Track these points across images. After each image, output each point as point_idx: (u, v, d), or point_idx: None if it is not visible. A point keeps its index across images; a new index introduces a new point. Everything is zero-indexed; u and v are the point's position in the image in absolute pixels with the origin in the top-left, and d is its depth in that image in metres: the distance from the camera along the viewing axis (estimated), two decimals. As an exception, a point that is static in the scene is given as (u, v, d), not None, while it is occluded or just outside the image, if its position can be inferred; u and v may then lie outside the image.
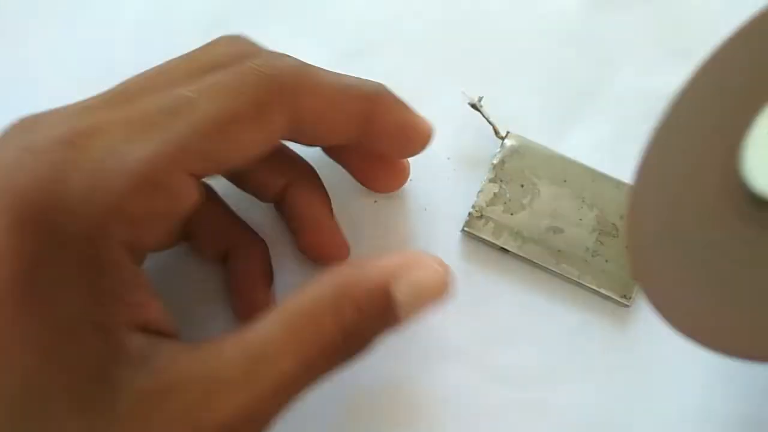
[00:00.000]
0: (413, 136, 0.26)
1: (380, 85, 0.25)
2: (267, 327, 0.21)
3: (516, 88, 0.30)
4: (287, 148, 0.27)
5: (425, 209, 0.29)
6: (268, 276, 0.28)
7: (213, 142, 0.21)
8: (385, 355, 0.27)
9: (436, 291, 0.23)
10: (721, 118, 0.19)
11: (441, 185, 0.29)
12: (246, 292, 0.27)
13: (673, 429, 0.27)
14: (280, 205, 0.27)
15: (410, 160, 0.28)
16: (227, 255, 0.27)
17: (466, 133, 0.30)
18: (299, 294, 0.21)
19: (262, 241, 0.28)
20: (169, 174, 0.21)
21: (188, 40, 0.31)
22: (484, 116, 0.29)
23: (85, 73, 0.31)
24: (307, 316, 0.21)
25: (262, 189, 0.27)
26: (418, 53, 0.31)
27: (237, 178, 0.27)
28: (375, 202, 0.29)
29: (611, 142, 0.30)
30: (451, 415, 0.27)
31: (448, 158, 0.30)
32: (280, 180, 0.27)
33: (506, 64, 0.31)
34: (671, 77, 0.30)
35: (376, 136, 0.25)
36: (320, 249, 0.27)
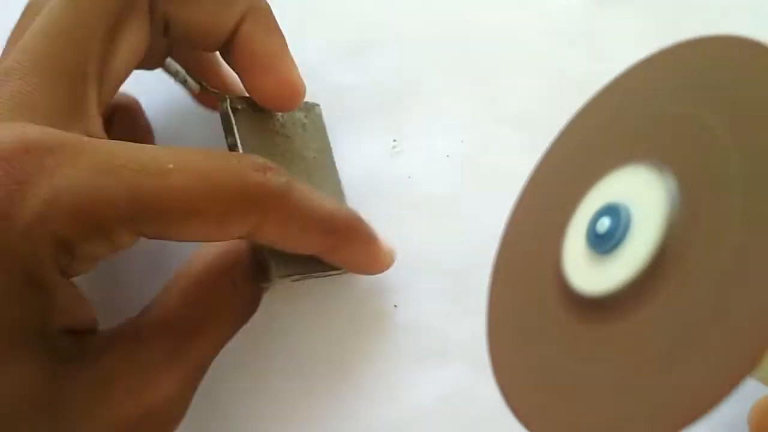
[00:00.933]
0: (279, 80, 0.25)
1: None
2: (176, 300, 0.23)
3: (516, 87, 0.30)
4: None
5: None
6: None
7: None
8: (386, 355, 0.27)
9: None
10: (555, 207, 0.19)
11: (442, 182, 0.29)
12: None
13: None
14: (229, 50, 0.26)
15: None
16: None
17: (467, 132, 0.30)
18: (191, 262, 0.23)
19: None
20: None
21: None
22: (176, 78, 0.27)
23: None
24: (207, 283, 0.23)
25: (211, 31, 0.25)
26: (417, 50, 0.30)
27: (179, 30, 0.25)
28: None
29: (611, 141, 0.30)
30: (451, 415, 0.27)
31: (447, 156, 0.30)
32: (232, 15, 0.25)
33: (506, 63, 0.30)
34: (672, 76, 0.30)
35: (237, 58, 0.25)
36: (276, 88, 0.26)
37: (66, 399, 0.20)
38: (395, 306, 0.28)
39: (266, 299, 0.29)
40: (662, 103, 0.18)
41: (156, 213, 0.19)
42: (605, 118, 0.20)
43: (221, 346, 0.24)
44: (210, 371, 0.29)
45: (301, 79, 0.26)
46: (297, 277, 0.26)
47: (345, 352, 0.28)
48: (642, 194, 0.16)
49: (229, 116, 0.25)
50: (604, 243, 0.16)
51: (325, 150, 0.28)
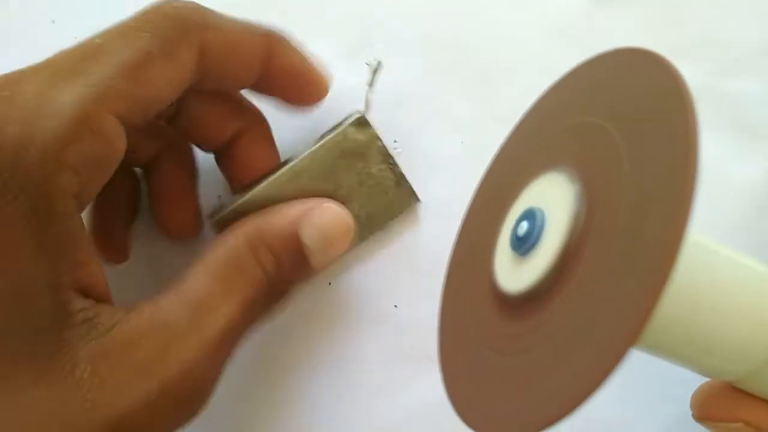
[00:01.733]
0: (311, 80, 0.27)
1: (278, 29, 0.26)
2: (198, 279, 0.22)
3: (516, 87, 0.30)
4: (240, 95, 0.27)
5: (420, 203, 0.29)
6: (193, 179, 0.28)
7: (131, 82, 0.21)
8: (386, 355, 0.27)
9: (340, 231, 0.25)
10: (491, 216, 0.21)
11: (442, 182, 0.29)
12: (173, 198, 0.28)
13: (673, 429, 0.27)
14: (224, 154, 0.27)
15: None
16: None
17: (467, 132, 0.30)
18: (217, 245, 0.23)
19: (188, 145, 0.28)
20: (100, 117, 0.21)
21: (188, 39, 0.31)
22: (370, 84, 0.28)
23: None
24: (232, 264, 0.23)
25: (210, 134, 0.27)
26: (417, 51, 0.31)
27: (185, 125, 0.27)
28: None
29: (611, 141, 0.30)
30: (451, 415, 0.27)
31: (447, 156, 0.30)
32: (231, 126, 0.27)
33: (506, 63, 0.31)
34: (671, 77, 0.30)
35: (275, 76, 0.26)
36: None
37: (71, 366, 0.19)
38: (395, 306, 0.28)
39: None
40: (574, 115, 0.19)
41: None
42: (532, 130, 0.21)
43: (246, 324, 0.23)
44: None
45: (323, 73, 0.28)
46: None
47: (345, 352, 0.28)
48: (555, 198, 0.18)
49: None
50: (523, 245, 0.18)
51: (376, 226, 0.28)
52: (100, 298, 0.21)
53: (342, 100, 0.30)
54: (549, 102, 0.21)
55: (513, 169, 0.21)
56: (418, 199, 0.27)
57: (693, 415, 0.22)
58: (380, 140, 0.27)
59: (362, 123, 0.26)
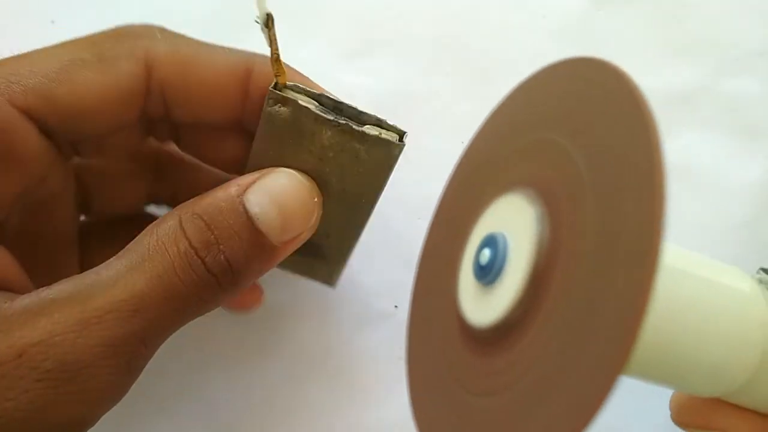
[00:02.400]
0: None
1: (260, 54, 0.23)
2: (112, 261, 0.20)
3: (516, 87, 0.30)
4: None
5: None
6: None
7: (51, 82, 0.21)
8: (386, 355, 0.27)
9: (298, 198, 0.21)
10: (451, 244, 0.19)
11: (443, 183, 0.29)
12: None
13: (672, 429, 0.27)
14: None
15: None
16: None
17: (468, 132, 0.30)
18: (144, 231, 0.20)
19: None
20: None
21: (188, 39, 0.31)
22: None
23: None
24: (148, 239, 0.20)
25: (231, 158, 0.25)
26: (418, 52, 0.31)
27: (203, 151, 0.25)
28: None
29: (611, 141, 0.30)
30: None
31: (448, 157, 0.30)
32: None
33: (506, 63, 0.31)
34: (671, 77, 0.30)
35: (256, 110, 0.22)
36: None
37: None
38: (395, 306, 0.28)
39: (268, 299, 0.29)
40: (527, 132, 0.18)
41: None
42: (485, 152, 0.20)
43: (164, 302, 0.20)
44: (205, 369, 0.29)
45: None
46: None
47: (345, 352, 0.28)
48: (516, 221, 0.17)
49: (275, 92, 0.21)
50: (487, 274, 0.17)
51: (369, 192, 0.23)
52: (3, 286, 0.20)
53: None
54: (501, 118, 0.20)
55: (470, 192, 0.20)
56: (399, 139, 0.22)
57: (671, 417, 0.22)
58: (306, 105, 0.21)
59: (278, 98, 0.21)
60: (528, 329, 0.15)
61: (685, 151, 0.29)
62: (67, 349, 0.18)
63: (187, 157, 0.26)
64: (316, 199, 0.22)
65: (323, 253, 0.25)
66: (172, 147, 0.26)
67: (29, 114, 0.21)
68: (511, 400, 0.15)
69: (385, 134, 0.22)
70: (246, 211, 0.20)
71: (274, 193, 0.21)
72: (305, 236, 0.22)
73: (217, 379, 0.29)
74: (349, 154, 0.22)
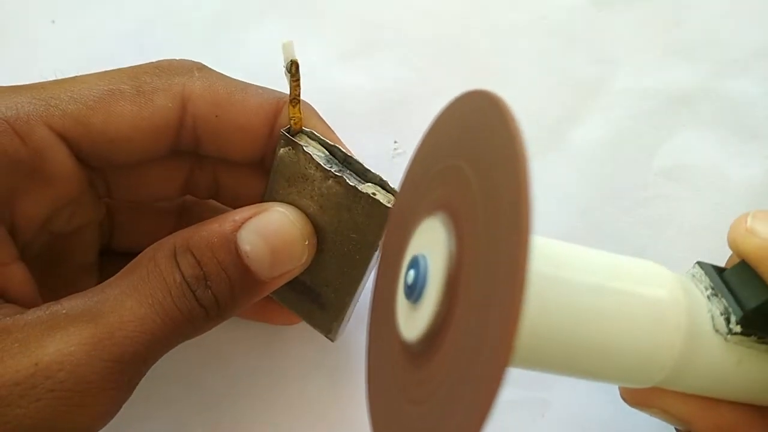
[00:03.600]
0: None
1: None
2: (110, 283, 0.21)
3: (515, 87, 0.30)
4: None
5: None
6: None
7: (88, 109, 0.22)
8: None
9: (289, 236, 0.22)
10: (391, 265, 0.21)
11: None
12: None
13: (672, 429, 0.27)
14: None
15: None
16: None
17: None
18: (143, 252, 0.22)
19: None
20: (30, 123, 0.21)
21: (188, 39, 0.31)
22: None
23: (85, 72, 0.31)
24: (146, 266, 0.21)
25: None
26: (418, 52, 0.31)
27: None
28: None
29: (611, 142, 0.30)
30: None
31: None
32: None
33: (506, 64, 0.31)
34: (671, 77, 0.30)
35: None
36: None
37: None
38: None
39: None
40: (440, 158, 0.20)
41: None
42: (413, 178, 0.22)
43: (158, 327, 0.21)
44: (206, 369, 0.29)
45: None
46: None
47: (346, 352, 0.28)
48: (433, 242, 0.18)
49: (286, 137, 0.23)
50: (412, 292, 0.18)
51: (364, 245, 0.23)
52: (15, 300, 0.21)
53: (342, 101, 0.30)
54: (423, 149, 0.22)
55: (403, 219, 0.21)
56: (387, 199, 0.23)
57: (620, 395, 0.23)
58: (311, 152, 0.23)
59: (288, 141, 0.23)
60: (444, 338, 0.17)
61: (685, 152, 0.29)
62: (82, 361, 0.19)
63: (212, 201, 0.27)
64: (307, 242, 0.23)
65: (322, 301, 0.25)
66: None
67: (64, 137, 0.22)
68: (431, 408, 0.17)
69: (380, 196, 0.22)
70: (237, 248, 0.21)
71: (266, 231, 0.22)
72: (296, 272, 0.23)
73: (218, 379, 0.29)
74: (345, 208, 0.23)
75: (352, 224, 0.23)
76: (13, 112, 0.21)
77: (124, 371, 0.20)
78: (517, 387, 0.28)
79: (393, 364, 0.20)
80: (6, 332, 0.19)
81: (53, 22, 0.31)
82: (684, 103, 0.30)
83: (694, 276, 0.21)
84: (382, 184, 0.23)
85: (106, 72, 0.23)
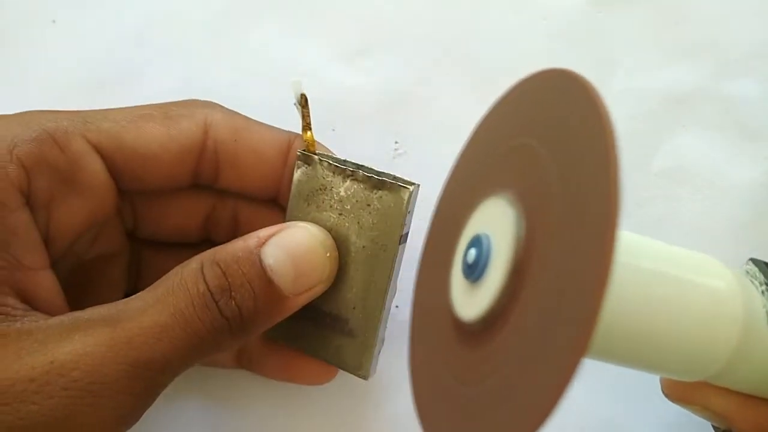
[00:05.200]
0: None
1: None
2: (137, 295, 0.22)
3: (516, 88, 0.30)
4: None
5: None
6: None
7: (122, 129, 0.24)
8: (386, 354, 0.27)
9: (313, 253, 0.23)
10: (445, 245, 0.21)
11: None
12: None
13: (672, 428, 0.27)
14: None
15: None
16: None
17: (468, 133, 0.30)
18: (172, 271, 0.22)
19: None
20: (68, 135, 0.23)
21: (189, 40, 0.31)
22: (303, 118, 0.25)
23: (86, 73, 0.31)
24: (172, 278, 0.22)
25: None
26: (418, 53, 0.31)
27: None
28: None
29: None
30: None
31: (449, 158, 0.30)
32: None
33: (506, 64, 0.31)
34: (671, 77, 0.30)
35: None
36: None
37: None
38: (396, 306, 0.28)
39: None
40: (509, 138, 0.20)
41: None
42: (475, 156, 0.22)
43: (179, 337, 0.21)
44: (207, 369, 0.29)
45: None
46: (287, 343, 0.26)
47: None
48: (499, 222, 0.18)
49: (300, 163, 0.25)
50: (473, 272, 0.18)
51: (387, 242, 0.24)
52: (43, 309, 0.21)
53: (342, 101, 0.30)
54: (488, 126, 0.22)
55: (461, 197, 0.21)
56: (409, 185, 0.24)
57: (662, 390, 0.23)
58: (327, 161, 0.24)
59: (304, 156, 0.25)
60: (508, 320, 0.17)
61: (685, 152, 0.29)
62: (97, 361, 0.20)
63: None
64: (329, 255, 0.24)
65: (350, 328, 0.25)
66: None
67: (99, 150, 0.24)
68: (491, 388, 0.16)
69: (397, 183, 0.24)
70: (261, 262, 0.22)
71: (290, 246, 0.23)
72: (319, 289, 0.24)
73: (220, 379, 0.29)
74: (363, 204, 0.24)
75: (373, 221, 0.24)
76: (53, 125, 0.23)
77: (140, 377, 0.20)
78: (517, 387, 0.28)
79: (443, 341, 0.20)
80: (27, 333, 0.20)
81: (54, 22, 0.31)
82: (684, 103, 0.30)
83: (748, 272, 0.21)
84: (396, 180, 0.24)
85: (135, 105, 0.25)
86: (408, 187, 0.24)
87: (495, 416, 0.16)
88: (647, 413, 0.27)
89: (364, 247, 0.24)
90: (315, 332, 0.25)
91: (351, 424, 0.28)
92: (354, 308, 0.25)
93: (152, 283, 0.25)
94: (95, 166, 0.23)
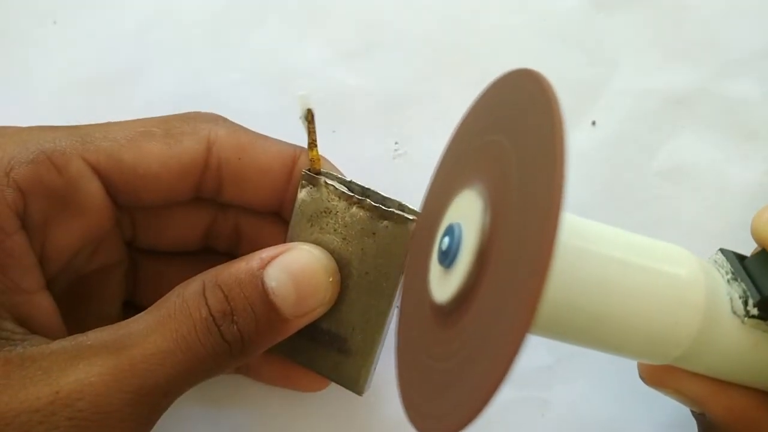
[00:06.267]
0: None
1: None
2: (139, 316, 0.22)
3: (516, 88, 0.30)
4: None
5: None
6: None
7: (121, 147, 0.23)
8: (388, 353, 0.28)
9: (315, 275, 0.23)
10: (427, 233, 0.22)
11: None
12: None
13: (672, 428, 0.27)
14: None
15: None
16: None
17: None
18: (174, 289, 0.22)
19: None
20: (66, 156, 0.22)
21: (189, 40, 0.31)
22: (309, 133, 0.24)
23: (86, 73, 0.31)
24: (174, 301, 0.22)
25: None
26: (418, 53, 0.31)
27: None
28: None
29: (611, 142, 0.30)
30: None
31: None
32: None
33: (506, 65, 0.31)
34: (671, 77, 0.30)
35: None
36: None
37: None
38: (396, 307, 0.28)
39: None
40: (480, 135, 0.21)
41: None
42: (454, 152, 0.23)
43: (181, 361, 0.21)
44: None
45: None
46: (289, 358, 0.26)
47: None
48: (468, 212, 0.19)
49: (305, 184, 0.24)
50: (446, 258, 0.19)
51: (390, 270, 0.24)
52: (40, 331, 0.21)
53: (343, 101, 0.30)
54: (465, 124, 0.23)
55: (442, 191, 0.22)
56: (415, 218, 0.24)
57: (638, 374, 0.24)
58: (333, 184, 0.24)
59: (309, 177, 0.24)
60: (473, 302, 0.18)
61: (685, 152, 0.29)
62: (101, 391, 0.20)
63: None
64: (331, 279, 0.24)
65: (348, 347, 0.25)
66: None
67: (97, 171, 0.23)
68: (453, 365, 0.18)
69: (403, 213, 0.24)
70: (263, 285, 0.22)
71: (292, 268, 0.22)
72: (319, 312, 0.24)
73: (219, 383, 0.29)
74: (369, 233, 0.24)
75: (377, 250, 0.24)
76: (50, 145, 0.22)
77: (144, 404, 0.20)
78: (517, 387, 0.28)
79: (422, 324, 0.21)
80: (31, 360, 0.20)
81: (55, 22, 0.31)
82: (684, 103, 0.30)
83: (716, 261, 0.22)
84: (402, 208, 0.24)
85: (138, 119, 0.24)
86: (415, 220, 0.23)
87: (459, 389, 0.17)
88: (647, 413, 0.27)
89: (366, 273, 0.24)
90: (313, 348, 0.25)
91: (349, 427, 0.28)
92: (353, 329, 0.25)
93: (151, 292, 0.25)
94: (92, 187, 0.23)
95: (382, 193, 0.24)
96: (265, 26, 0.31)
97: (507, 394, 0.28)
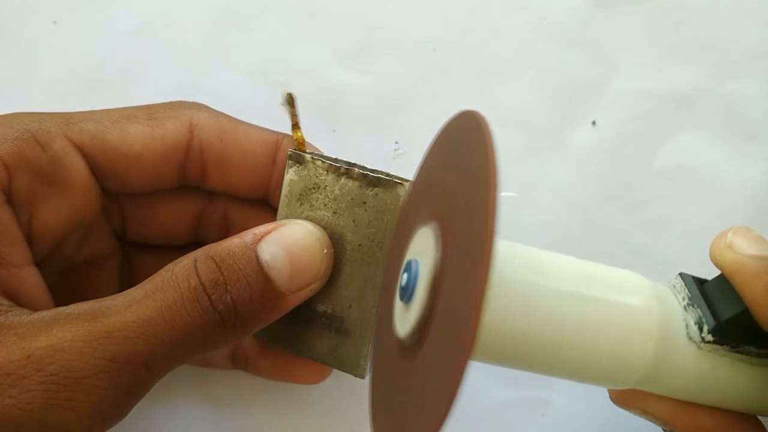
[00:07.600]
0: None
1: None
2: (126, 291, 0.21)
3: (516, 88, 0.30)
4: None
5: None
6: None
7: (105, 130, 0.24)
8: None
9: (310, 249, 0.23)
10: (395, 270, 0.22)
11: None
12: None
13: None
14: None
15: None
16: None
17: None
18: (163, 268, 0.22)
19: None
20: (51, 134, 0.23)
21: (189, 39, 0.31)
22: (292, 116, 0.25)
23: (86, 73, 0.31)
24: (164, 273, 0.21)
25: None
26: (418, 53, 0.31)
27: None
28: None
29: (611, 142, 0.30)
30: (451, 415, 0.27)
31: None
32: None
33: (506, 65, 0.31)
34: (671, 77, 0.30)
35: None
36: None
37: None
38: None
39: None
40: (434, 172, 0.21)
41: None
42: (415, 191, 0.23)
43: (167, 331, 0.20)
44: (207, 370, 0.29)
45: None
46: (277, 347, 0.26)
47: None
48: (424, 248, 0.20)
49: (291, 161, 0.24)
50: (405, 293, 0.20)
51: (383, 239, 0.24)
52: (28, 305, 0.21)
53: (342, 101, 0.30)
54: (425, 162, 0.23)
55: (406, 227, 0.23)
56: (405, 181, 0.24)
57: (609, 397, 0.24)
58: (320, 159, 0.24)
59: (296, 155, 0.24)
60: (426, 336, 0.18)
61: (685, 152, 0.29)
62: (73, 356, 0.19)
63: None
64: (326, 251, 0.24)
65: (346, 327, 0.25)
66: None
67: (82, 150, 0.24)
68: (411, 398, 0.18)
69: (393, 179, 0.24)
70: (257, 257, 0.22)
71: (286, 242, 0.22)
72: (314, 288, 0.24)
73: (219, 379, 0.29)
74: (359, 203, 0.24)
75: (368, 219, 0.24)
76: (36, 125, 0.23)
77: (121, 371, 0.20)
78: (517, 387, 0.28)
79: (390, 358, 0.21)
80: (8, 327, 0.20)
81: (55, 22, 0.31)
82: (684, 103, 0.30)
83: (674, 287, 0.22)
84: (389, 175, 0.24)
85: (122, 107, 0.25)
86: (403, 183, 0.24)
87: (414, 421, 0.17)
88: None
89: (360, 245, 0.24)
90: (310, 334, 0.25)
91: (348, 425, 0.28)
92: (350, 307, 0.25)
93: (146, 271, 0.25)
94: (77, 166, 0.23)
95: (369, 167, 0.24)
96: (265, 27, 0.31)
97: (507, 394, 0.28)
